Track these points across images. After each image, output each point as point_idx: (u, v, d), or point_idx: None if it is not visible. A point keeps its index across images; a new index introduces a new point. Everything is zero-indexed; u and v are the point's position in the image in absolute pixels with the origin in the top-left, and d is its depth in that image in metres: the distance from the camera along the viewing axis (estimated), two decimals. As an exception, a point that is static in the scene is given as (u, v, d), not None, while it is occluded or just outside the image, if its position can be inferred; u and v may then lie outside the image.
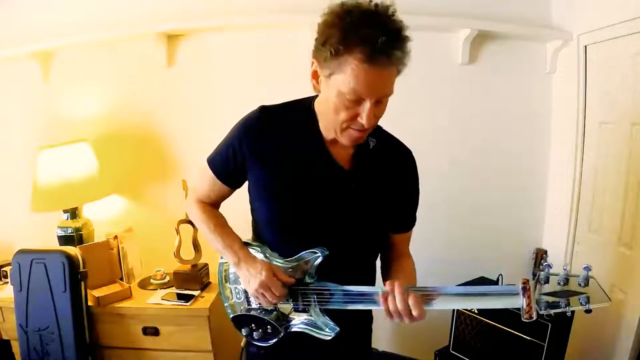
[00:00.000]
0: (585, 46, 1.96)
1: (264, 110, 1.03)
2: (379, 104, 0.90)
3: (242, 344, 1.20)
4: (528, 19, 2.10)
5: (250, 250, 1.09)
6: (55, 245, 1.98)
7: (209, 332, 1.84)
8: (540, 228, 2.32)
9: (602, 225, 1.94)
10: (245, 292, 1.12)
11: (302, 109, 1.03)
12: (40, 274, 1.76)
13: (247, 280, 1.04)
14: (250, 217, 1.15)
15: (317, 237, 1.00)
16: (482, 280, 1.98)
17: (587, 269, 0.82)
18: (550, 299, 0.83)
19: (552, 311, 0.83)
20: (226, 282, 1.18)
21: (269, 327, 1.06)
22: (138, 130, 2.21)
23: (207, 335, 1.85)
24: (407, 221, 1.15)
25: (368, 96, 0.86)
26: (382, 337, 2.23)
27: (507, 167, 2.24)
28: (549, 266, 0.85)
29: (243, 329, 1.11)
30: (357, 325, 1.19)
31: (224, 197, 1.16)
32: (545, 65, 2.16)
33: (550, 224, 2.28)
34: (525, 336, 1.70)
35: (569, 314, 0.83)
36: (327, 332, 1.01)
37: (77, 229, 2.03)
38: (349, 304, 0.99)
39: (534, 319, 0.83)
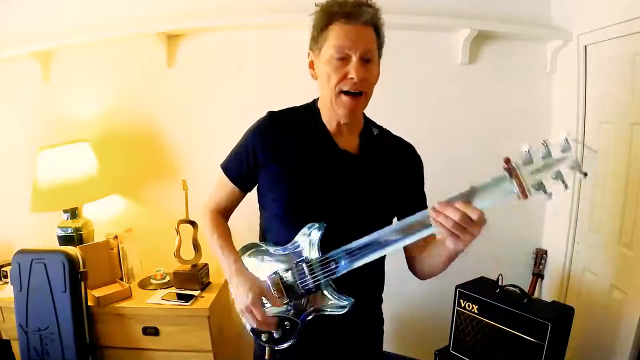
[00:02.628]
0: (585, 46, 1.96)
1: (272, 115, 1.12)
2: (368, 63, 1.00)
3: (267, 357, 1.11)
4: (528, 19, 2.10)
5: (249, 258, 1.10)
6: (55, 245, 1.98)
7: (209, 332, 1.85)
8: (540, 228, 2.32)
9: (602, 225, 1.94)
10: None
11: (307, 110, 1.12)
12: (40, 274, 1.76)
13: (235, 296, 1.05)
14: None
15: (331, 224, 1.01)
16: (482, 280, 1.99)
17: (564, 135, 0.79)
18: (542, 175, 0.81)
19: (547, 186, 0.81)
20: None
21: (286, 322, 1.05)
22: (138, 130, 2.21)
23: (207, 335, 1.85)
24: (421, 200, 1.16)
25: (352, 49, 0.98)
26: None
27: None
28: (529, 149, 0.82)
29: (262, 335, 1.07)
30: (368, 326, 1.19)
31: (235, 202, 1.20)
32: (545, 65, 2.16)
33: (550, 223, 2.28)
34: (525, 336, 1.70)
35: (566, 184, 0.80)
36: (343, 304, 1.00)
37: (77, 229, 2.03)
38: (356, 261, 0.98)
39: (531, 195, 0.82)
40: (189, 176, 2.00)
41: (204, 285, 2.00)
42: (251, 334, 1.10)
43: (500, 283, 1.90)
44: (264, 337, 1.06)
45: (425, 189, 1.18)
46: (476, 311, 1.86)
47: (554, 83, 2.19)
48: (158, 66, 2.14)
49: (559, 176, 0.80)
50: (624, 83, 1.76)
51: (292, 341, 1.05)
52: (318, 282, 1.01)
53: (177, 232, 1.94)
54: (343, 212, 1.04)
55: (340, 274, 1.00)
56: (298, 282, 1.03)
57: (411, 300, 2.26)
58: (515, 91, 2.19)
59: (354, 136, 1.11)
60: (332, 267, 1.00)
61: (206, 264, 2.03)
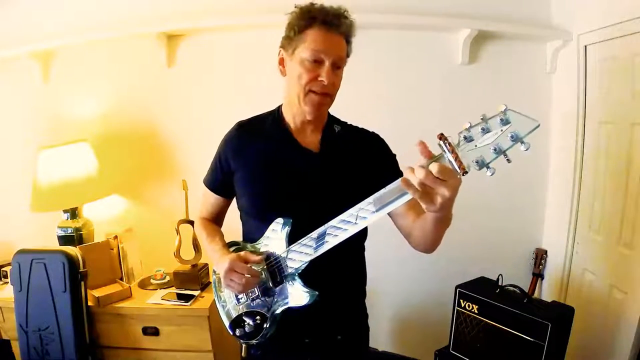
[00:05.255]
0: (585, 46, 1.96)
1: (239, 124, 1.22)
2: (337, 70, 1.07)
3: (243, 353, 1.21)
4: (528, 19, 2.10)
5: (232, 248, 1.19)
6: (55, 245, 1.98)
7: (209, 332, 1.84)
8: (540, 228, 2.32)
9: (602, 225, 1.94)
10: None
11: (271, 115, 1.19)
12: (40, 274, 1.76)
13: (221, 274, 1.09)
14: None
15: (297, 218, 1.04)
16: (482, 280, 1.99)
17: (503, 107, 0.77)
18: (480, 152, 0.79)
19: (489, 162, 0.80)
20: (221, 290, 1.21)
21: (257, 316, 1.10)
22: (138, 130, 2.21)
23: (207, 335, 1.85)
24: (395, 173, 1.12)
25: (325, 54, 1.04)
26: (382, 337, 2.23)
27: (507, 167, 2.22)
28: (469, 126, 0.81)
29: (237, 330, 1.13)
30: (353, 324, 1.21)
31: (223, 208, 1.31)
32: (545, 65, 2.16)
33: (550, 224, 2.28)
34: (525, 336, 1.70)
35: (508, 157, 0.80)
36: (305, 296, 1.03)
37: (77, 229, 2.03)
38: (318, 248, 0.99)
39: (469, 171, 0.81)
40: (189, 176, 1.99)
41: (204, 285, 2.00)
42: (230, 331, 1.16)
43: (500, 283, 1.90)
44: (238, 332, 1.12)
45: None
46: (476, 311, 1.86)
47: (554, 83, 2.19)
48: (158, 66, 2.14)
49: (499, 151, 0.78)
50: (624, 83, 1.76)
51: (259, 339, 1.09)
52: (284, 275, 1.05)
53: (177, 232, 1.94)
54: (308, 206, 1.06)
55: (302, 265, 1.02)
56: (268, 276, 1.07)
57: (411, 300, 2.26)
58: (515, 91, 2.19)
59: (317, 134, 1.15)
60: (296, 259, 1.03)
61: (206, 264, 2.03)
